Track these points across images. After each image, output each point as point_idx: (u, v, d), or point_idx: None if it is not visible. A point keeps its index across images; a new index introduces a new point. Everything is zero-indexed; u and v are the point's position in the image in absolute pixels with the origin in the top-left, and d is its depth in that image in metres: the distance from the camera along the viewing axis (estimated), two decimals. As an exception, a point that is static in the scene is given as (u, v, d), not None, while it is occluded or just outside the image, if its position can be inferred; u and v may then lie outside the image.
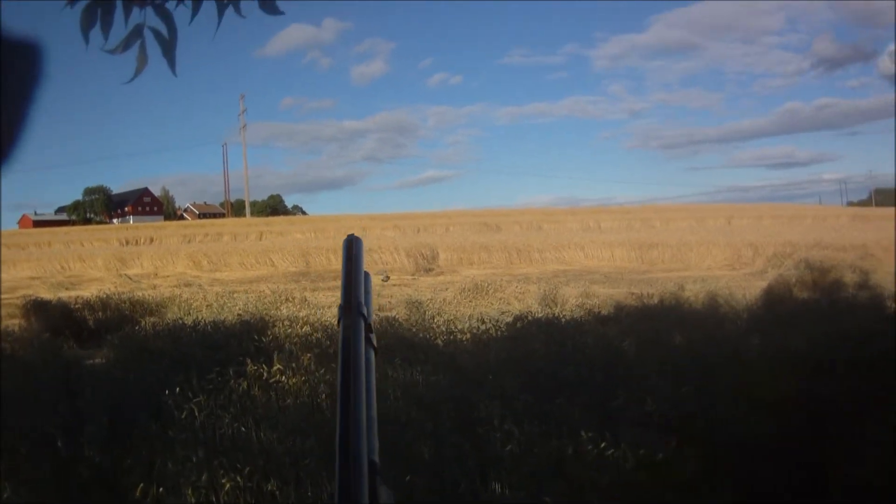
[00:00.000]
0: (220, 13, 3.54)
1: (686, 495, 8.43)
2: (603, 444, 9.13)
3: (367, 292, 1.73)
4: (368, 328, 1.64)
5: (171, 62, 3.50)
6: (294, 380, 12.16)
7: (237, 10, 3.56)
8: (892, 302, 20.92)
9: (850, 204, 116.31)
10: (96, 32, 3.39)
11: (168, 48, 3.45)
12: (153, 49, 3.49)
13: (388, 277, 40.98)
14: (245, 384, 11.98)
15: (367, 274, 1.77)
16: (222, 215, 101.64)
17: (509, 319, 19.03)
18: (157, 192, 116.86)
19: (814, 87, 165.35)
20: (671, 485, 8.51)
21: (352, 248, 1.77)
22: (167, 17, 3.44)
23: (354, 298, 1.66)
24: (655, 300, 22.61)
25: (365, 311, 1.66)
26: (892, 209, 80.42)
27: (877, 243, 39.45)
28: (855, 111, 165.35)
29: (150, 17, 3.43)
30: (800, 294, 25.10)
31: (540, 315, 19.95)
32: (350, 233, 1.86)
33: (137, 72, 3.48)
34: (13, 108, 1.10)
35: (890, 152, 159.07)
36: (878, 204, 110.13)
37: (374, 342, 1.64)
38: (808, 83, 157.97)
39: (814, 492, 8.57)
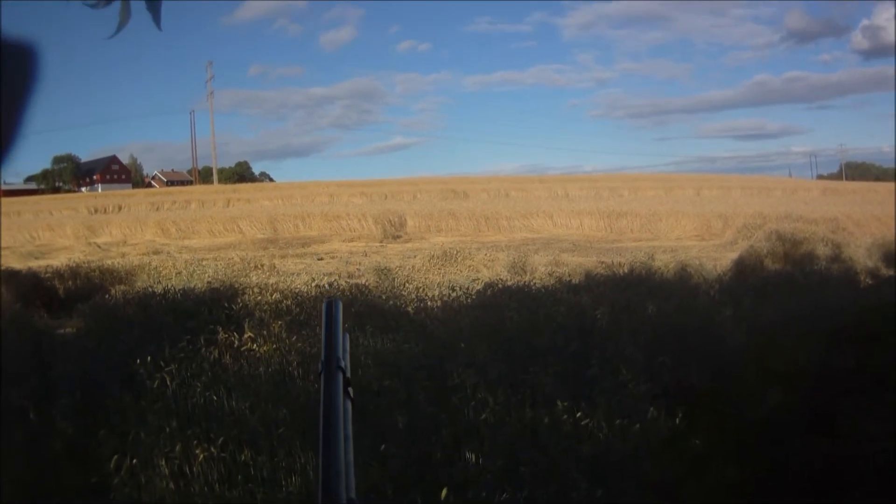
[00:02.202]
0: None
1: (664, 464, 8.43)
2: (578, 414, 9.11)
3: (346, 350, 1.89)
4: (346, 382, 1.80)
5: (157, 16, 3.38)
6: (265, 347, 12.13)
7: None
8: (864, 275, 21.04)
9: (821, 177, 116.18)
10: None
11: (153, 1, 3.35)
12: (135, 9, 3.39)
13: None
14: (216, 352, 11.96)
15: (345, 333, 1.93)
16: (190, 183, 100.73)
17: (479, 287, 18.99)
18: (125, 160, 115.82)
19: (784, 61, 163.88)
20: (648, 454, 8.51)
21: (331, 309, 1.95)
22: None
23: (334, 356, 1.83)
24: (626, 269, 22.56)
25: (343, 366, 1.82)
26: (865, 183, 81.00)
27: (848, 217, 39.34)
28: (825, 85, 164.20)
29: None
30: (771, 266, 25.14)
31: (510, 283, 19.90)
32: (329, 297, 2.03)
33: (120, 26, 3.37)
34: (11, 108, 1.09)
35: (861, 127, 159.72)
36: (849, 178, 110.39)
37: (352, 394, 1.80)
38: (778, 56, 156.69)
39: (790, 458, 8.58)
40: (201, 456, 8.35)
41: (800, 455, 8.50)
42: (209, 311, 15.07)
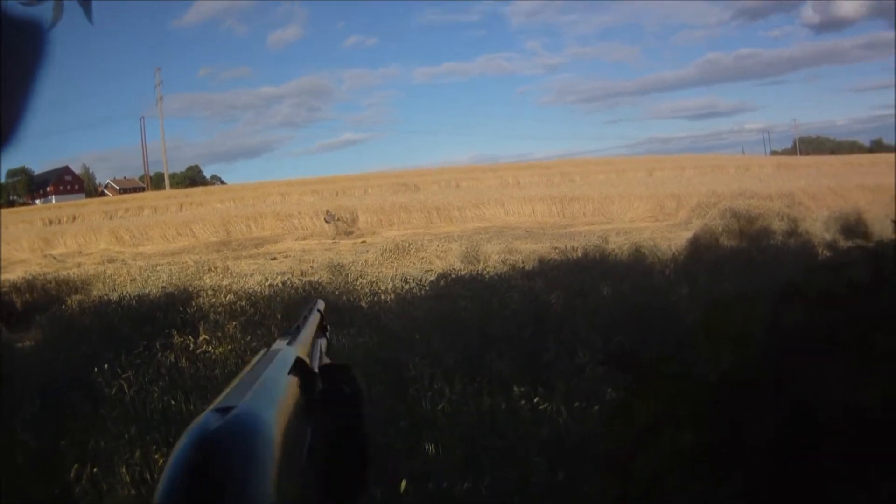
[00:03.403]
0: None
1: (624, 447, 8.49)
2: (536, 399, 9.17)
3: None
4: None
5: (87, 9, 3.37)
6: (220, 349, 12.17)
7: None
8: (822, 248, 21.23)
9: (775, 153, 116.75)
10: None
11: None
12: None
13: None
14: (172, 356, 11.95)
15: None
16: (142, 189, 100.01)
17: (432, 278, 19.11)
18: (77, 170, 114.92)
19: (735, 38, 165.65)
20: (608, 436, 8.56)
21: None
22: None
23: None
24: (579, 253, 22.66)
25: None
26: (819, 157, 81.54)
27: (804, 191, 39.68)
28: (777, 60, 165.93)
29: None
30: (727, 243, 25.28)
31: (463, 272, 20.02)
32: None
33: (53, 22, 3.36)
34: (14, 90, 1.07)
35: (813, 101, 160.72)
36: (803, 152, 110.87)
37: None
38: (728, 34, 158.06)
39: (747, 426, 8.65)
40: (161, 461, 8.34)
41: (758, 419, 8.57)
42: (164, 315, 15.06)
